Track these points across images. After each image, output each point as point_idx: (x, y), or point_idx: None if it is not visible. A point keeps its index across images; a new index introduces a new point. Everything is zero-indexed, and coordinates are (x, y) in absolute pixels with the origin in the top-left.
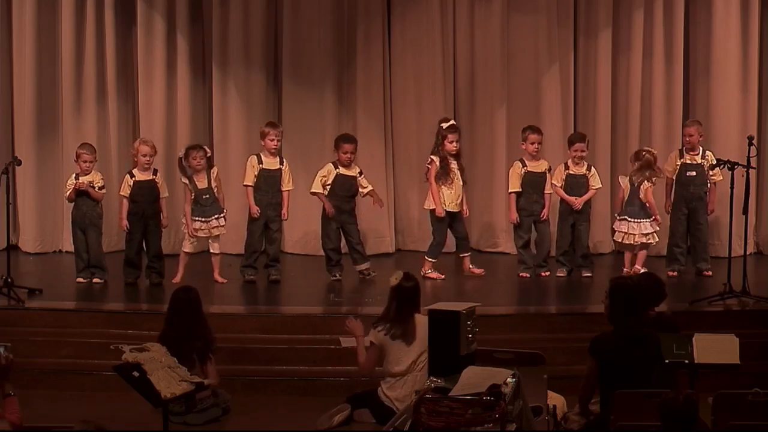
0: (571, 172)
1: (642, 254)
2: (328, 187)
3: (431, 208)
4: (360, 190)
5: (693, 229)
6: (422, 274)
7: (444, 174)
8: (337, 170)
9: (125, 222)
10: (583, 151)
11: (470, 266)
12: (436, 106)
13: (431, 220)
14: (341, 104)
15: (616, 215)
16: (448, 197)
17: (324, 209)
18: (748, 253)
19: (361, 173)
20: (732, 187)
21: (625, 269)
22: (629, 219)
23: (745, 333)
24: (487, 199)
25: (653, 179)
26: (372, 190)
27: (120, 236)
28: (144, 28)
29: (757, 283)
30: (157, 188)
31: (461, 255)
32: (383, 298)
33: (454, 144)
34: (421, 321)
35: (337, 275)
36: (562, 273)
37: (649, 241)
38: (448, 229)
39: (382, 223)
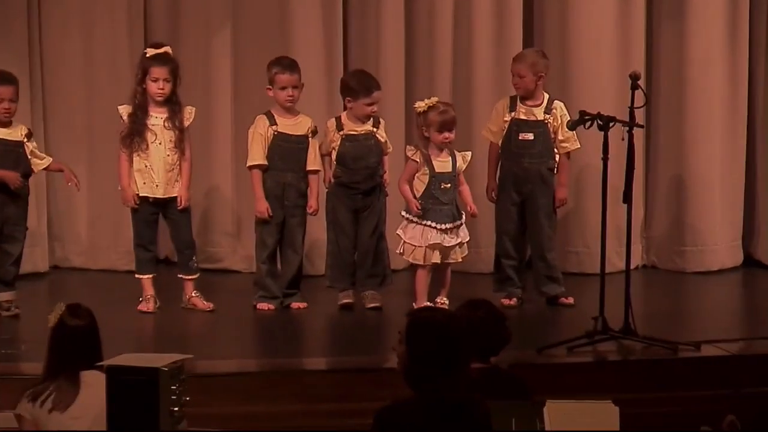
0: None
1: (444, 276)
2: None
3: None
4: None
5: (531, 228)
6: None
7: None
8: None
9: None
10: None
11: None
12: None
13: None
14: None
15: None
16: None
17: None
18: (633, 267)
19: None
20: (604, 160)
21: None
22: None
23: (629, 398)
24: None
25: (408, 151)
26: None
27: None
28: None
29: (649, 315)
30: None
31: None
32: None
33: None
34: (95, 381)
35: None
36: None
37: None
38: None
39: None
